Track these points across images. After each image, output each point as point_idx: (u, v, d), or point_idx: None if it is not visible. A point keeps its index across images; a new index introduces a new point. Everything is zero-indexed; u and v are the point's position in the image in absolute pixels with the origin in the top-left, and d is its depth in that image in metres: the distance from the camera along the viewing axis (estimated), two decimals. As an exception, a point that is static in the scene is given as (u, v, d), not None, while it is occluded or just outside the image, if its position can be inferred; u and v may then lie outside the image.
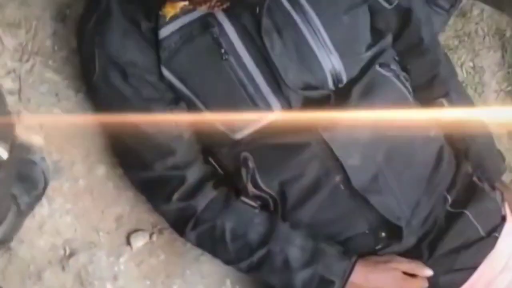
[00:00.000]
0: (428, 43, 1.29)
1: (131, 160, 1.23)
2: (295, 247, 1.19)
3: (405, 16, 1.26)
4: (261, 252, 1.19)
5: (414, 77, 1.29)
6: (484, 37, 1.58)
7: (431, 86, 1.31)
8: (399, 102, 1.20)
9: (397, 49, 1.28)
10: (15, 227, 1.16)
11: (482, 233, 1.24)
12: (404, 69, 1.28)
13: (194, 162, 1.20)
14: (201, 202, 1.19)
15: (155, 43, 1.12)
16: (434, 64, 1.31)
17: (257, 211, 1.20)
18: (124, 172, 1.30)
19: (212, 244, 1.22)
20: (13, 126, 0.92)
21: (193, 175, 1.19)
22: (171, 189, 1.19)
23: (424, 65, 1.31)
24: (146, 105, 1.15)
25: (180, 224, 1.22)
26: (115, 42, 1.13)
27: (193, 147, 1.20)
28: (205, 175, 1.21)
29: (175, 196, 1.19)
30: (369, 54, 1.19)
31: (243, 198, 1.20)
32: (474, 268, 1.22)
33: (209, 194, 1.20)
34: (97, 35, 1.14)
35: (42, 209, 1.30)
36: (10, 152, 0.88)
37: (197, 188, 1.19)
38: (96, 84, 1.18)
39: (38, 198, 1.28)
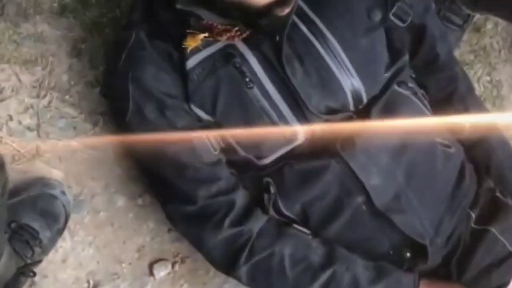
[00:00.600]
0: (444, 59, 1.29)
1: (172, 194, 1.18)
2: (359, 265, 1.16)
3: (419, 33, 1.25)
4: (326, 274, 1.15)
5: (432, 94, 1.28)
6: (500, 51, 1.57)
7: (450, 102, 1.30)
8: (418, 119, 1.19)
9: (413, 67, 1.28)
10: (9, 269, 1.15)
11: (511, 248, 1.22)
12: (421, 86, 1.27)
13: (238, 185, 1.18)
14: (255, 226, 1.15)
15: (185, 74, 1.12)
16: (451, 80, 1.30)
17: (310, 237, 1.18)
18: (163, 209, 1.23)
19: (267, 275, 1.17)
20: (4, 168, 0.90)
21: (241, 198, 1.16)
22: (220, 216, 1.15)
23: (441, 81, 1.30)
24: (184, 135, 1.13)
25: (231, 257, 1.16)
26: (150, 75, 1.11)
27: (231, 171, 1.19)
28: (252, 199, 1.18)
29: (226, 222, 1.14)
30: (388, 74, 1.19)
31: (295, 225, 1.18)
32: (507, 284, 1.19)
33: (261, 218, 1.17)
34: (131, 70, 1.12)
35: (65, 243, 1.31)
36: (2, 195, 0.87)
37: (248, 211, 1.16)
38: (130, 121, 1.14)
39: (60, 232, 1.29)
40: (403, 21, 1.21)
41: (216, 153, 1.15)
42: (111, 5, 1.35)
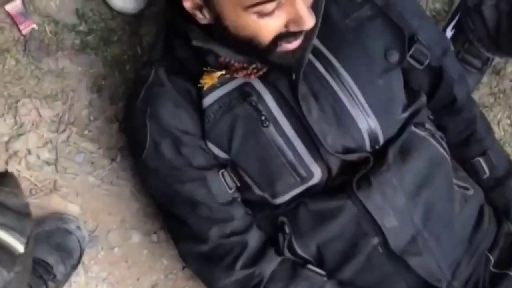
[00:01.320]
0: (462, 102, 1.28)
1: (185, 232, 1.18)
2: None
3: (437, 75, 1.25)
4: None
5: (450, 136, 1.27)
6: (520, 94, 1.56)
7: (468, 144, 1.29)
8: (436, 161, 1.18)
9: (431, 108, 1.27)
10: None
11: (530, 293, 1.19)
12: (439, 127, 1.27)
13: (252, 225, 1.18)
14: (267, 268, 1.15)
15: (202, 112, 1.12)
16: (469, 123, 1.29)
17: (325, 278, 1.16)
18: (176, 246, 1.22)
19: None
20: (30, 217, 0.92)
21: (254, 239, 1.16)
22: (233, 257, 1.15)
23: (460, 124, 1.29)
24: (199, 174, 1.13)
25: None
26: (168, 112, 1.12)
27: (246, 210, 1.18)
28: (266, 239, 1.18)
29: (239, 263, 1.14)
30: (405, 115, 1.18)
31: (310, 266, 1.16)
32: None
33: (274, 259, 1.16)
34: (149, 107, 1.13)
35: (79, 278, 1.31)
36: (27, 245, 0.88)
37: (261, 253, 1.16)
38: (147, 157, 1.15)
39: (74, 267, 1.29)
40: (420, 62, 1.20)
41: (231, 192, 1.15)
42: (132, 43, 1.37)
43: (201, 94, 1.11)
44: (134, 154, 1.22)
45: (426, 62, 1.21)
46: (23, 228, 0.90)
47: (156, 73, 1.14)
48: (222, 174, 1.14)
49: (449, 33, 1.46)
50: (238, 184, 1.15)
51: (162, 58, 1.16)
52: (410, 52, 1.18)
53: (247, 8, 0.94)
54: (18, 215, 0.90)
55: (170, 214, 1.19)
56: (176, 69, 1.14)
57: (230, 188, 1.15)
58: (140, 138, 1.14)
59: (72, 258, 1.27)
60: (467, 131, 1.28)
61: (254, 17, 0.96)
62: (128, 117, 1.20)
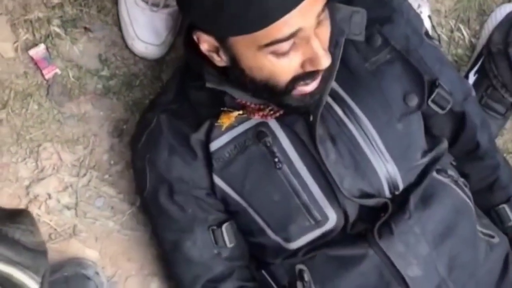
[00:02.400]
0: (485, 148, 1.27)
1: (176, 279, 1.23)
2: None
3: (460, 121, 1.24)
4: None
5: (473, 183, 1.26)
6: (545, 139, 1.54)
7: (491, 191, 1.27)
8: (459, 208, 1.16)
9: (454, 154, 1.26)
10: None
11: None
12: (462, 174, 1.25)
13: (229, 276, 1.19)
14: None
15: (206, 156, 1.13)
16: (492, 169, 1.28)
17: None
18: None
19: None
20: (46, 257, 0.92)
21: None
22: None
23: (483, 170, 1.28)
24: (188, 224, 1.17)
25: None
26: (163, 158, 1.15)
27: (231, 262, 1.19)
28: (239, 287, 1.19)
29: None
30: (425, 160, 1.17)
31: None
32: None
33: None
34: (147, 153, 1.17)
35: (96, 325, 1.29)
36: (42, 284, 0.87)
37: None
38: (146, 200, 1.21)
39: (91, 314, 1.27)
40: (442, 108, 1.19)
41: (216, 247, 1.17)
42: (154, 87, 1.38)
43: (210, 136, 1.11)
44: (138, 194, 1.30)
45: (448, 107, 1.20)
46: (38, 267, 0.90)
47: (158, 120, 1.16)
48: (212, 230, 1.17)
49: (471, 78, 1.46)
50: (232, 243, 1.17)
51: (172, 101, 1.17)
52: (432, 97, 1.17)
53: (262, 47, 0.94)
54: (33, 254, 0.90)
55: (164, 258, 1.27)
56: (182, 114, 1.15)
57: (217, 244, 1.17)
58: (141, 181, 1.19)
59: (90, 305, 1.26)
60: (491, 178, 1.27)
61: (269, 58, 0.96)
62: (133, 159, 1.24)
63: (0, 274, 0.85)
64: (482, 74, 1.46)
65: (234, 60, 0.99)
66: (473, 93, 1.29)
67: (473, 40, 1.48)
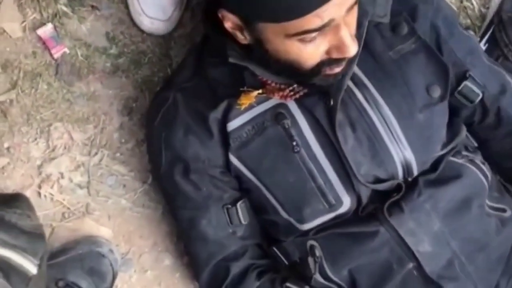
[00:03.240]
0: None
1: (191, 256, 1.25)
2: None
3: (495, 115, 1.20)
4: None
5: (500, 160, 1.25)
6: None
7: None
8: (474, 188, 1.16)
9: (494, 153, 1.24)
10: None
11: None
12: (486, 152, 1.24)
13: (242, 255, 1.20)
14: None
15: (222, 135, 1.13)
16: None
17: None
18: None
19: None
20: (44, 240, 0.93)
21: (238, 266, 1.19)
22: (219, 283, 1.20)
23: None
24: (204, 203, 1.17)
25: None
26: (179, 137, 1.15)
27: (244, 241, 1.20)
28: (250, 265, 1.20)
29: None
30: (443, 151, 1.16)
31: (288, 284, 1.17)
32: None
33: (251, 285, 1.19)
34: (163, 131, 1.16)
35: (111, 302, 1.31)
36: (40, 266, 0.88)
37: (240, 279, 1.19)
38: (161, 177, 1.21)
39: (107, 291, 1.28)
40: (470, 101, 1.17)
41: (231, 226, 1.18)
42: (163, 65, 1.37)
43: (228, 115, 1.11)
44: (154, 172, 1.30)
45: (477, 100, 1.17)
46: (36, 250, 0.90)
47: (174, 98, 1.16)
48: (227, 208, 1.17)
49: (482, 47, 1.44)
50: (246, 221, 1.18)
51: (189, 79, 1.16)
52: (459, 89, 1.16)
53: (291, 36, 0.93)
54: (31, 237, 0.91)
55: (180, 233, 1.29)
56: (199, 92, 1.14)
57: (232, 223, 1.17)
58: (156, 159, 1.19)
59: (105, 282, 1.27)
60: None
61: (296, 44, 0.95)
62: (148, 137, 1.25)
63: None
64: (492, 43, 1.44)
65: (259, 41, 0.98)
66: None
67: (482, 9, 1.45)
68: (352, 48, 0.96)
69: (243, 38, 1.01)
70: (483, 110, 1.20)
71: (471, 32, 1.25)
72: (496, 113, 1.20)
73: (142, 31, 1.35)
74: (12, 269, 0.86)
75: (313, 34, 0.93)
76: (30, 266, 0.87)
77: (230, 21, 0.98)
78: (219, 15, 0.99)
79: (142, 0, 1.32)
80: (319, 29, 0.92)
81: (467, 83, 1.16)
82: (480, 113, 1.20)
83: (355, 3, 0.94)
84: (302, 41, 0.94)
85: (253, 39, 0.99)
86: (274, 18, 0.92)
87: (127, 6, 1.35)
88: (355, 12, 0.96)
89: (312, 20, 0.91)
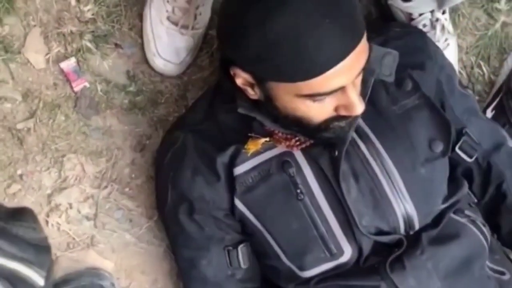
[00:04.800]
0: None
1: None
2: None
3: (486, 172, 1.24)
4: None
5: (505, 233, 1.26)
6: None
7: None
8: (475, 249, 1.17)
9: (484, 206, 1.26)
10: None
11: None
12: (495, 225, 1.25)
13: None
14: None
15: (229, 179, 1.15)
16: None
17: None
18: None
19: None
20: (49, 252, 0.94)
21: None
22: None
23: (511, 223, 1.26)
24: (205, 243, 1.18)
25: None
26: (186, 177, 1.17)
27: (244, 284, 1.21)
28: None
29: None
30: (445, 205, 1.18)
31: None
32: None
33: None
34: (171, 171, 1.19)
35: (108, 336, 1.31)
36: (47, 279, 0.90)
37: None
38: (166, 215, 1.23)
39: (105, 324, 1.29)
40: (469, 156, 1.21)
41: (230, 268, 1.19)
42: (179, 105, 1.40)
43: (235, 160, 1.13)
44: (158, 209, 1.32)
45: (475, 155, 1.21)
46: (42, 262, 0.91)
47: (184, 138, 1.18)
48: (228, 251, 1.18)
49: (489, 114, 1.47)
50: (246, 265, 1.19)
51: (200, 121, 1.19)
52: (459, 144, 1.19)
53: (301, 96, 0.97)
54: (37, 249, 0.92)
55: (180, 272, 1.28)
56: (209, 135, 1.17)
57: (231, 265, 1.19)
58: (163, 197, 1.21)
59: (104, 315, 1.28)
60: None
61: (306, 102, 0.99)
62: (156, 174, 1.28)
63: (7, 269, 0.86)
64: (499, 110, 1.47)
65: (269, 98, 1.02)
66: (510, 144, 1.27)
67: (492, 77, 1.49)
68: (359, 108, 1.00)
69: (253, 93, 1.04)
70: (478, 167, 1.23)
71: (469, 91, 1.29)
72: (486, 169, 1.23)
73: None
74: (20, 281, 0.87)
75: (323, 97, 0.97)
76: (37, 278, 0.89)
77: (241, 78, 1.02)
78: (231, 72, 1.02)
79: (158, 42, 1.36)
80: (329, 94, 0.97)
81: (466, 138, 1.19)
82: (476, 171, 1.24)
83: (364, 67, 0.98)
84: (311, 100, 0.98)
85: (263, 96, 1.03)
86: (286, 79, 0.96)
87: (142, 43, 1.39)
88: (361, 74, 1.01)
89: (324, 84, 0.95)
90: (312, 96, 0.97)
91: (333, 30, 0.92)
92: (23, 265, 0.88)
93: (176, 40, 1.36)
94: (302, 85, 0.95)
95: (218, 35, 1.05)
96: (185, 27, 1.35)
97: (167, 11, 1.35)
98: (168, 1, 1.35)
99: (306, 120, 1.02)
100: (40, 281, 0.89)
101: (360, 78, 1.01)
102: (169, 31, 1.36)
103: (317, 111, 1.00)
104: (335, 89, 0.96)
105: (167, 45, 1.36)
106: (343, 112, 1.01)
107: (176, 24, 1.36)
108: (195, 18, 1.35)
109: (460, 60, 1.48)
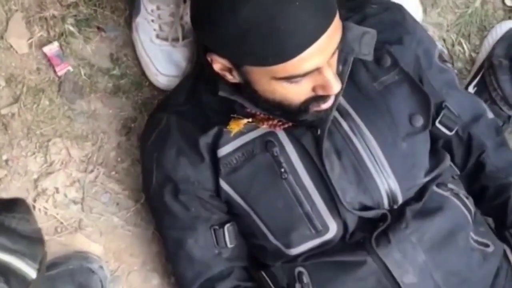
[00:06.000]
0: (495, 168, 1.26)
1: (177, 275, 1.27)
2: None
3: (466, 143, 1.26)
4: None
5: (486, 202, 1.28)
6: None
7: (505, 213, 1.26)
8: (458, 222, 1.19)
9: (466, 174, 1.28)
10: None
11: None
12: (478, 190, 1.27)
13: (228, 276, 1.22)
14: None
15: (213, 160, 1.16)
16: (505, 189, 1.27)
17: None
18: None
19: None
20: (43, 243, 0.94)
21: (223, 287, 1.21)
22: None
23: (494, 192, 1.27)
24: (191, 223, 1.19)
25: None
26: (170, 159, 1.18)
27: (231, 263, 1.22)
28: (235, 287, 1.22)
29: None
30: (427, 179, 1.19)
31: None
32: None
33: None
34: (155, 152, 1.20)
35: (98, 318, 1.31)
36: (39, 270, 0.90)
37: None
38: (151, 196, 1.24)
39: (94, 307, 1.29)
40: (449, 129, 1.22)
41: (217, 247, 1.20)
42: (163, 88, 1.41)
43: (218, 141, 1.14)
44: (143, 191, 1.32)
45: (455, 128, 1.23)
46: (35, 254, 0.91)
47: (168, 119, 1.19)
48: (214, 230, 1.19)
49: (471, 90, 1.49)
50: (233, 244, 1.20)
51: (183, 102, 1.20)
52: (439, 118, 1.21)
53: (277, 79, 0.98)
54: (30, 241, 0.92)
55: (166, 252, 1.30)
56: (192, 116, 1.18)
57: (218, 244, 1.20)
58: (148, 178, 1.23)
59: (94, 298, 1.29)
60: (503, 198, 1.26)
61: (283, 84, 1.00)
62: (141, 156, 1.28)
63: None
64: (481, 87, 1.49)
65: (247, 82, 1.03)
66: (489, 115, 1.29)
67: (473, 54, 1.51)
68: (336, 87, 1.00)
69: (232, 78, 1.05)
70: (458, 139, 1.25)
71: (449, 65, 1.30)
72: (467, 140, 1.25)
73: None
74: (12, 274, 0.87)
75: (299, 78, 0.98)
76: (29, 271, 0.89)
77: (219, 64, 1.03)
78: (208, 58, 1.03)
79: (156, 61, 1.36)
80: (304, 75, 0.98)
81: (446, 112, 1.21)
82: (456, 143, 1.26)
83: (337, 46, 0.99)
84: (288, 82, 0.99)
85: (241, 79, 1.04)
86: (260, 62, 0.97)
87: (141, 67, 1.39)
88: (337, 51, 1.01)
89: (298, 66, 0.96)
90: (289, 79, 0.98)
91: (304, 12, 0.93)
92: (16, 257, 0.88)
93: (172, 54, 1.36)
94: (277, 69, 0.96)
95: (192, 22, 1.05)
96: (175, 39, 1.35)
97: (154, 29, 1.35)
98: (152, 21, 1.35)
99: (285, 102, 1.03)
100: (33, 274, 0.89)
101: (335, 57, 1.02)
102: (162, 48, 1.36)
103: (295, 92, 1.01)
104: (310, 71, 0.97)
105: (165, 61, 1.36)
106: (320, 92, 1.01)
107: (166, 39, 1.36)
108: (183, 28, 1.35)
109: (441, 38, 1.50)
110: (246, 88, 1.05)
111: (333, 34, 0.96)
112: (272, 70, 0.97)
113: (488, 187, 1.27)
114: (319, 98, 1.03)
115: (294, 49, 0.94)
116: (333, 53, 0.99)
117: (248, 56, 0.97)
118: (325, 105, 1.05)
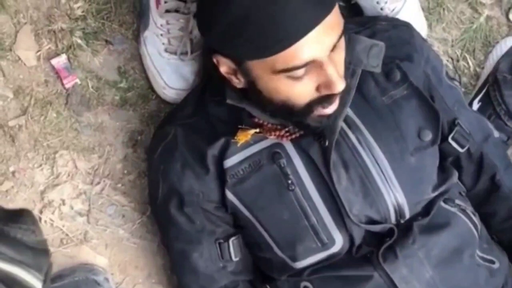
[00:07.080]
0: (509, 189, 1.27)
1: (182, 287, 1.26)
2: None
3: (479, 162, 1.26)
4: None
5: (497, 222, 1.28)
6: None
7: None
8: (465, 238, 1.19)
9: (475, 194, 1.28)
10: None
11: None
12: (487, 214, 1.27)
13: None
14: None
15: (219, 171, 1.16)
16: None
17: None
18: None
19: None
20: (48, 255, 0.94)
21: None
22: None
23: (506, 211, 1.28)
24: (196, 236, 1.20)
25: None
26: (176, 171, 1.18)
27: (236, 276, 1.22)
28: None
29: None
30: (435, 194, 1.19)
31: None
32: None
33: None
34: (162, 165, 1.21)
35: (103, 330, 1.31)
36: (44, 282, 0.90)
37: None
38: (157, 209, 1.25)
39: (99, 319, 1.29)
40: (461, 146, 1.23)
41: (222, 261, 1.20)
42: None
43: (225, 153, 1.14)
44: (150, 203, 1.33)
45: (467, 146, 1.23)
46: (40, 265, 0.90)
47: (175, 132, 1.20)
48: (219, 243, 1.20)
49: (475, 106, 1.49)
50: (237, 257, 1.20)
51: (190, 115, 1.21)
52: (452, 134, 1.21)
53: (278, 72, 0.98)
54: (35, 252, 0.91)
55: (171, 265, 1.31)
56: (199, 128, 1.19)
57: (222, 257, 1.20)
58: (154, 191, 1.23)
59: (99, 310, 1.28)
60: None
61: (285, 81, 1.00)
62: (148, 169, 1.29)
63: (3, 272, 0.86)
64: (485, 102, 1.49)
65: (251, 83, 1.04)
66: (496, 134, 1.30)
67: (477, 69, 1.52)
68: (339, 84, 1.00)
69: (237, 81, 1.06)
70: (468, 157, 1.25)
71: (456, 83, 1.31)
72: (479, 160, 1.25)
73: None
74: (18, 285, 0.87)
75: (299, 72, 0.98)
76: (35, 282, 0.88)
77: (225, 65, 1.04)
78: (214, 60, 1.04)
79: (164, 74, 1.36)
80: (303, 66, 0.97)
81: (459, 129, 1.22)
82: (466, 160, 1.25)
83: (337, 41, 0.99)
84: (290, 78, 0.99)
85: (246, 82, 1.05)
86: (258, 54, 0.98)
87: (148, 81, 1.40)
88: (341, 51, 1.02)
89: (295, 56, 0.96)
90: (288, 71, 0.98)
91: (299, 0, 0.94)
92: (21, 268, 0.88)
93: (180, 68, 1.36)
94: (276, 59, 0.96)
95: (198, 26, 1.06)
96: (184, 53, 1.36)
97: (163, 43, 1.36)
98: (161, 35, 1.35)
99: (289, 103, 1.03)
100: (38, 285, 0.89)
101: (339, 55, 1.01)
102: (170, 61, 1.36)
103: (299, 92, 1.01)
104: (309, 61, 0.97)
105: (173, 75, 1.36)
106: (324, 91, 1.01)
107: (175, 53, 1.36)
108: (192, 42, 1.35)
109: (446, 53, 1.51)
110: (251, 91, 1.05)
111: (331, 26, 0.97)
112: (271, 61, 0.97)
113: (500, 209, 1.27)
114: (323, 101, 1.03)
115: (289, 37, 0.95)
116: (334, 48, 0.98)
117: (246, 47, 0.97)
118: (328, 110, 1.05)
